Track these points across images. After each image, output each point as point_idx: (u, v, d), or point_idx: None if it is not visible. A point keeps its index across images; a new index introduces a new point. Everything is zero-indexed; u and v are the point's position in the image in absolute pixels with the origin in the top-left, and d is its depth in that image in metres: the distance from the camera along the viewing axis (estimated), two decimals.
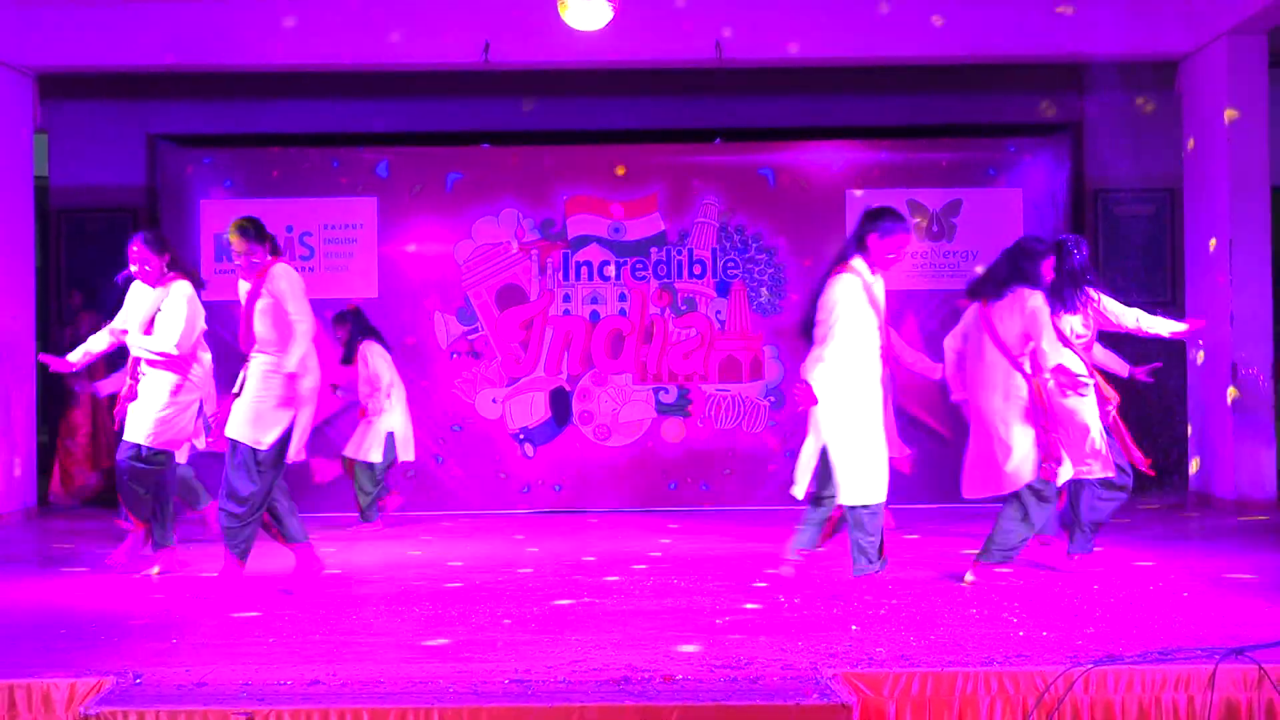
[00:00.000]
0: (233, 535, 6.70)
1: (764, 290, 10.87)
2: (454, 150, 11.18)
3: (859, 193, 10.81)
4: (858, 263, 6.45)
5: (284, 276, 6.79)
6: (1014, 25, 10.28)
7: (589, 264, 10.85)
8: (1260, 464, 9.88)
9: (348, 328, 9.67)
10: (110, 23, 10.21)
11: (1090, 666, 4.69)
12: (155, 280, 7.28)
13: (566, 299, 10.83)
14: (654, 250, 10.86)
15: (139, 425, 7.25)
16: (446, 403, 10.82)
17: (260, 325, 6.77)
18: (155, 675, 4.79)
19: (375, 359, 9.56)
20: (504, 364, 10.86)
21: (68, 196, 11.99)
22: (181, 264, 7.39)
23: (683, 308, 10.87)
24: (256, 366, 6.78)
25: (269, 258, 6.85)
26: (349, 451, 9.62)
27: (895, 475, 10.03)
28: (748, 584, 6.86)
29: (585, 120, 11.89)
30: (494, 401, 10.83)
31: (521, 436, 10.79)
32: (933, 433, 10.25)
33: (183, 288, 7.28)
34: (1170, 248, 11.70)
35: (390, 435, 9.58)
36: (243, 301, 6.88)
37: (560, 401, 10.80)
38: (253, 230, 6.85)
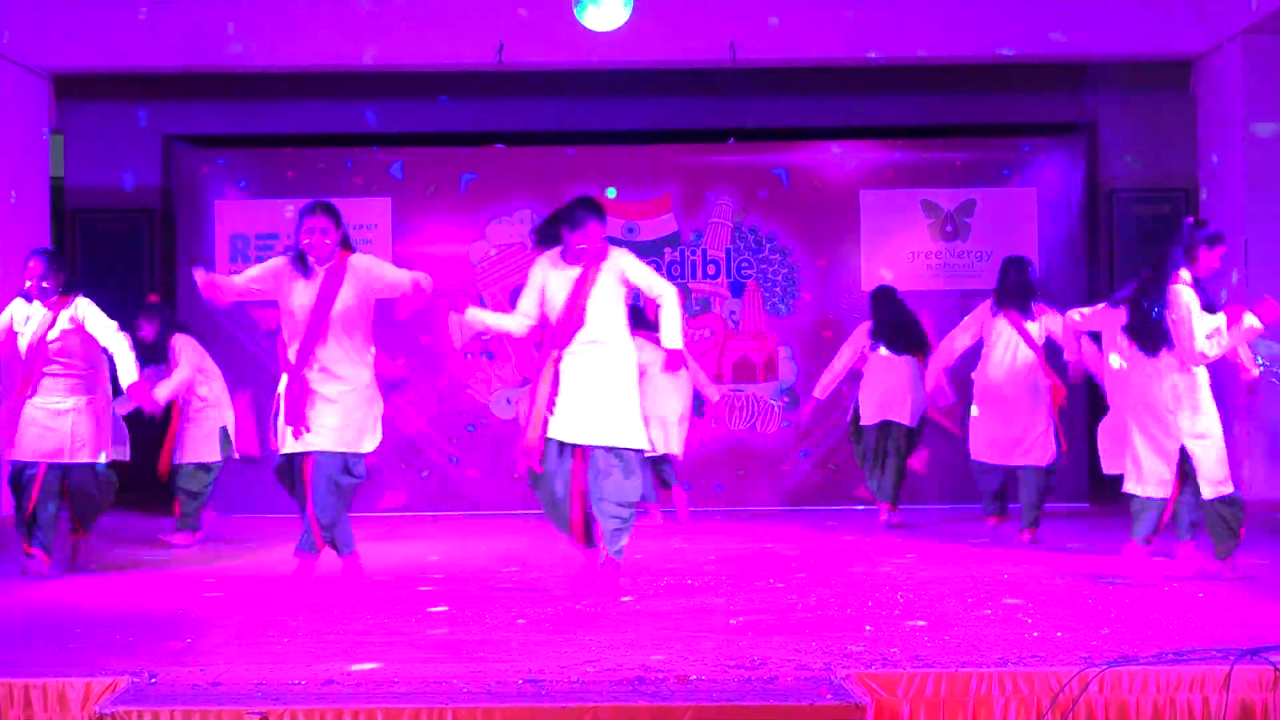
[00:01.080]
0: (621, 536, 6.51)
1: (778, 290, 10.85)
2: (468, 151, 11.19)
3: (872, 193, 10.82)
4: (1185, 274, 6.59)
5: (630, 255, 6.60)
6: (1028, 25, 10.26)
7: None
8: (1275, 463, 9.84)
9: (156, 322, 8.77)
10: (125, 24, 10.24)
11: (1105, 667, 4.68)
12: (328, 255, 6.63)
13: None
14: (668, 250, 10.86)
15: (350, 433, 6.58)
16: (461, 403, 10.83)
17: (611, 311, 6.45)
18: (170, 675, 4.80)
19: (191, 352, 8.71)
20: (518, 364, 10.86)
21: (83, 197, 12.04)
22: (350, 242, 6.85)
23: (696, 308, 10.86)
24: (611, 358, 6.44)
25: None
26: (179, 457, 8.77)
27: (910, 475, 10.07)
28: (762, 584, 6.86)
29: (599, 121, 11.90)
30: (508, 402, 10.83)
31: None
32: (946, 433, 10.22)
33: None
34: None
35: (223, 430, 8.93)
36: (563, 289, 6.45)
37: None
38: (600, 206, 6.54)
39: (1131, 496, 6.78)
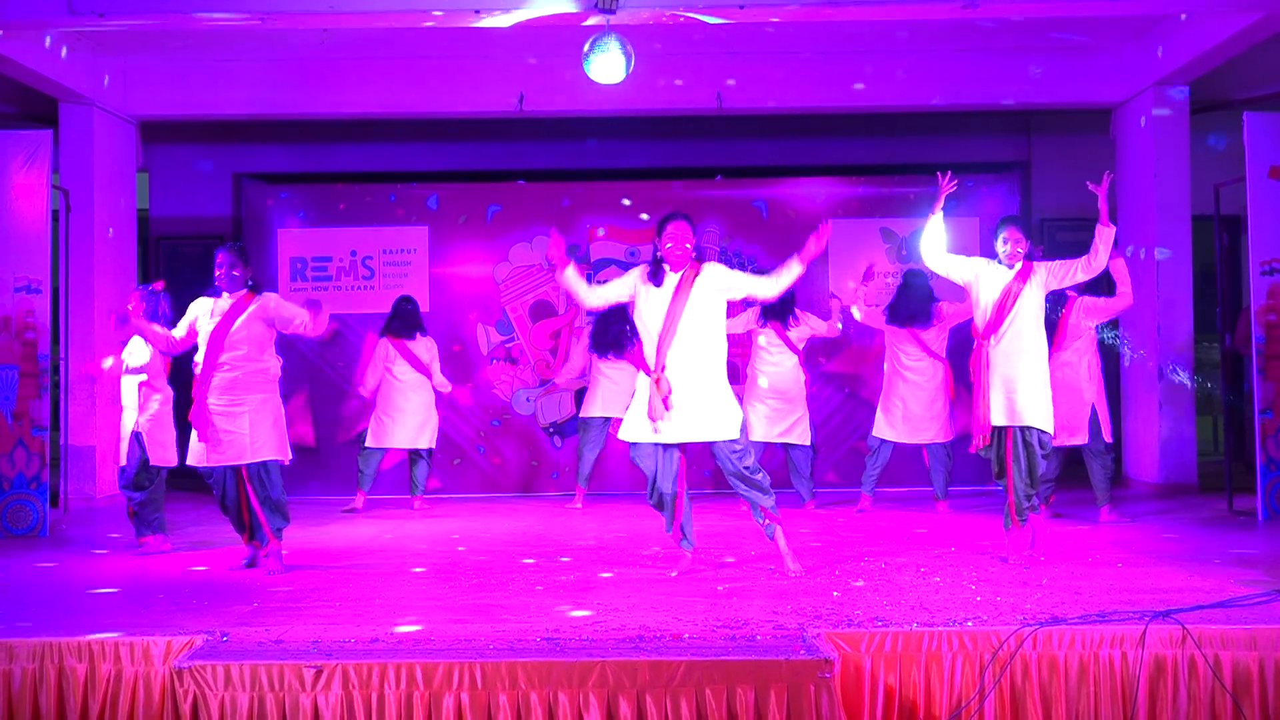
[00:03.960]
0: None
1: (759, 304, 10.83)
2: (494, 186, 11.18)
3: (838, 222, 10.80)
4: None
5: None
6: (972, 78, 10.27)
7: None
8: (1182, 452, 9.84)
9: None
10: (201, 78, 10.27)
11: (1038, 627, 4.68)
12: (684, 262, 6.12)
13: (589, 313, 10.80)
14: None
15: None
16: (487, 401, 10.81)
17: (1037, 313, 6.52)
18: (239, 634, 4.80)
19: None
20: (536, 368, 10.86)
21: (165, 226, 12.05)
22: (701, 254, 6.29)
23: None
24: None
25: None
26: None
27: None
28: (744, 556, 6.85)
29: (606, 160, 11.91)
30: (527, 400, 10.83)
31: (551, 430, 10.78)
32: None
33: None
34: (1105, 270, 11.65)
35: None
36: (996, 290, 6.46)
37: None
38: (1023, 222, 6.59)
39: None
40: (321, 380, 10.64)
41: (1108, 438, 8.05)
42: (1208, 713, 4.60)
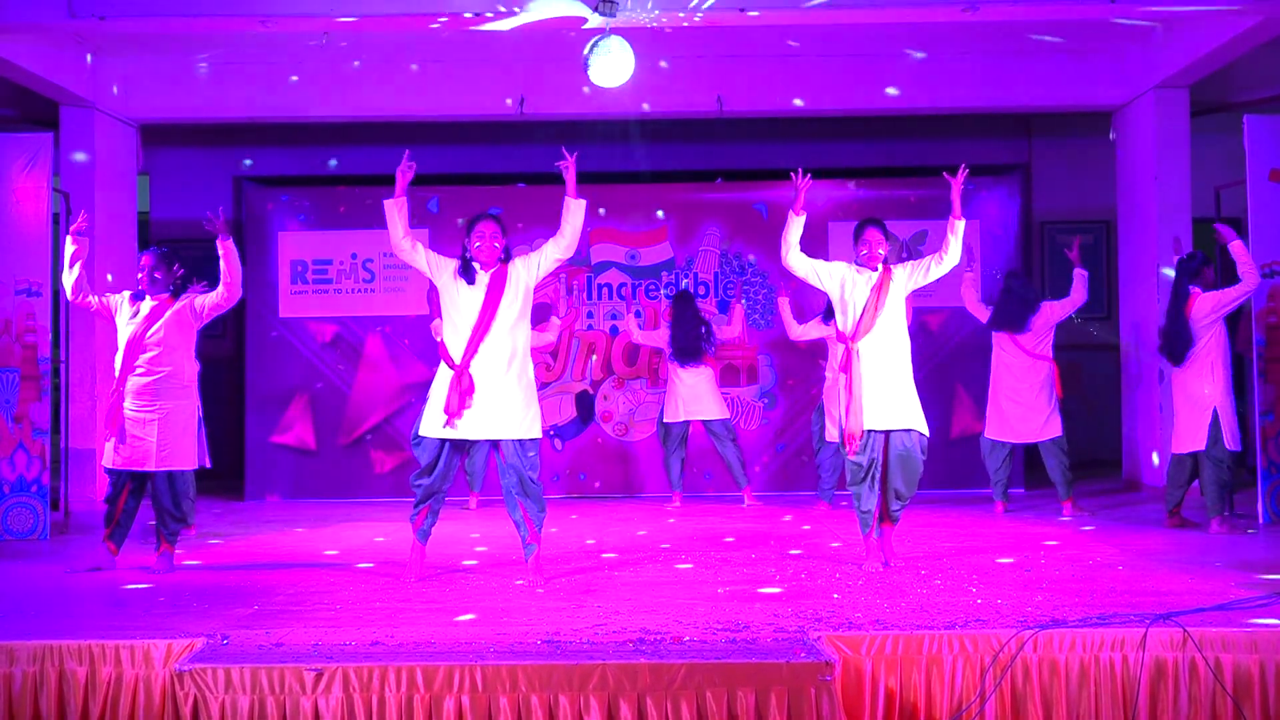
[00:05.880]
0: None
1: (758, 308, 10.84)
2: (494, 189, 11.17)
3: (838, 225, 10.81)
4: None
5: None
6: (972, 81, 10.27)
7: (609, 285, 10.83)
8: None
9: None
10: (202, 81, 10.26)
11: (1038, 630, 4.68)
12: (494, 262, 6.36)
13: (590, 315, 10.81)
14: (665, 274, 10.84)
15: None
16: None
17: (899, 313, 6.47)
18: (239, 637, 4.81)
19: None
20: (537, 371, 10.82)
21: (165, 229, 12.04)
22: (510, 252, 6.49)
23: None
24: None
25: None
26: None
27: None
28: (744, 558, 6.85)
29: (606, 163, 11.89)
30: None
31: (552, 433, 10.76)
32: None
33: None
34: (1106, 271, 11.67)
35: None
36: (864, 292, 6.37)
37: (584, 403, 10.78)
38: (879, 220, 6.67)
39: None
40: (322, 383, 10.64)
41: (1230, 444, 7.55)
42: (1208, 715, 4.61)
